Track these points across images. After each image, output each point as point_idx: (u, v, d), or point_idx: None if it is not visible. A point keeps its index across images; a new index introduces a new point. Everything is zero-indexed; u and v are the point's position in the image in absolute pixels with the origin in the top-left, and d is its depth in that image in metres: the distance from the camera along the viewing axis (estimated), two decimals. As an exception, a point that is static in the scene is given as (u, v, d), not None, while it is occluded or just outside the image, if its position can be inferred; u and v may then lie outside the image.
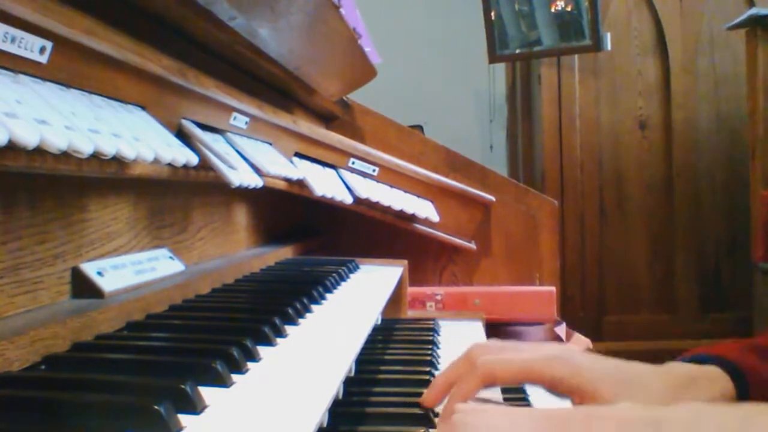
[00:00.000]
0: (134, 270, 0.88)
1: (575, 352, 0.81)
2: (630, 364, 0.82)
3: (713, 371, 0.83)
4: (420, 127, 3.99)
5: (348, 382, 0.74)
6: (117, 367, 0.62)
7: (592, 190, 3.75)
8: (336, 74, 1.81)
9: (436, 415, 0.84)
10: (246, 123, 1.14)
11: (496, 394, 0.94)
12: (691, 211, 3.71)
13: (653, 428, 0.50)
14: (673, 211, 3.72)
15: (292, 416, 0.53)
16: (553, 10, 3.58)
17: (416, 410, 0.84)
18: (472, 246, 1.93)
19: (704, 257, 3.72)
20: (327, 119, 2.06)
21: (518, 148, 4.32)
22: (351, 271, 1.35)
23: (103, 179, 0.85)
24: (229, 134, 1.10)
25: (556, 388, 0.78)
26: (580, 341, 1.81)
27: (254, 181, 1.04)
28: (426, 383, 0.94)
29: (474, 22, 3.86)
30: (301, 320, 0.87)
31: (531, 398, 0.99)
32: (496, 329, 1.66)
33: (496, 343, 0.86)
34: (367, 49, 1.90)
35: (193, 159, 0.85)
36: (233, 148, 1.10)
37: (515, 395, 0.99)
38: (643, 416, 0.51)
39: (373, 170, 1.70)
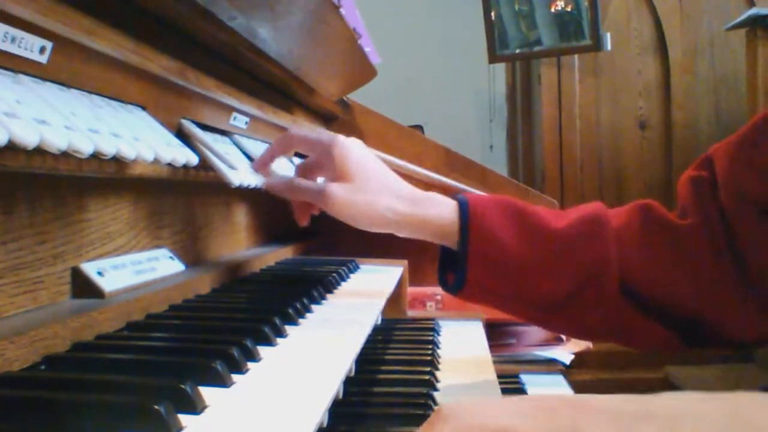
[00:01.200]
0: (134, 270, 0.88)
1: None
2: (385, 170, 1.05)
3: (448, 202, 0.98)
4: (420, 127, 3.99)
5: (348, 382, 0.74)
6: (117, 367, 0.62)
7: (592, 190, 3.75)
8: (336, 74, 1.81)
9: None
10: (246, 123, 1.14)
11: (491, 377, 0.96)
12: (691, 211, 3.70)
13: (644, 422, 0.50)
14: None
15: (292, 416, 0.53)
16: (553, 10, 3.58)
17: (416, 410, 0.84)
18: (472, 246, 1.92)
19: (704, 257, 3.71)
20: (327, 119, 2.06)
21: (518, 148, 4.32)
22: (351, 271, 1.35)
23: (103, 179, 0.85)
24: (235, 135, 1.10)
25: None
26: (580, 341, 1.81)
27: (259, 182, 1.04)
28: (426, 383, 0.95)
29: (474, 22, 3.86)
30: (301, 320, 0.87)
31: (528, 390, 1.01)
32: (496, 329, 1.66)
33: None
34: (367, 49, 1.90)
35: (193, 159, 0.85)
36: (239, 149, 1.10)
37: (510, 380, 1.01)
38: (635, 409, 0.51)
39: (373, 170, 1.70)
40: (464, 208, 0.96)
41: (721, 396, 0.51)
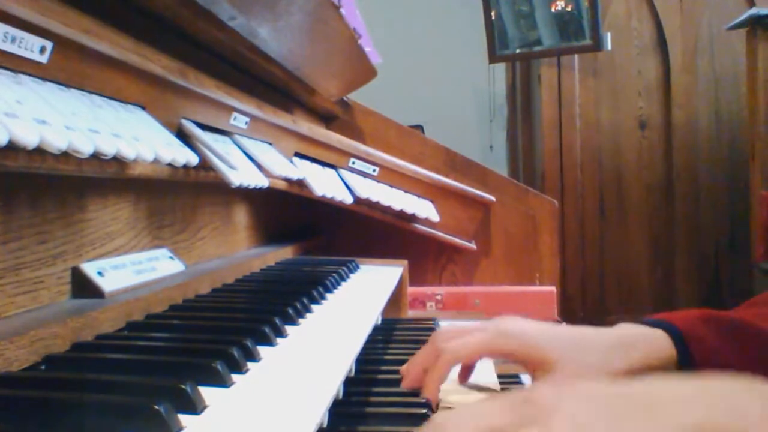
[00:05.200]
0: (134, 270, 0.88)
1: (525, 323, 0.87)
2: (577, 328, 0.89)
3: (657, 335, 0.87)
4: (420, 127, 3.99)
5: (348, 382, 0.74)
6: (117, 367, 0.62)
7: (592, 190, 3.75)
8: (336, 74, 1.81)
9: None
10: (246, 123, 1.14)
11: (492, 378, 0.97)
12: (691, 211, 3.71)
13: (624, 400, 0.52)
14: (673, 211, 3.72)
15: (292, 416, 0.53)
16: (553, 10, 3.58)
17: (416, 410, 0.84)
18: (472, 246, 1.93)
19: (704, 257, 3.72)
20: (327, 119, 2.06)
21: (518, 148, 4.32)
22: (351, 271, 1.35)
23: (103, 179, 0.85)
24: (236, 136, 1.10)
25: (510, 359, 0.87)
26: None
27: (259, 182, 1.04)
28: (426, 383, 0.95)
29: (474, 22, 3.86)
30: (301, 320, 0.87)
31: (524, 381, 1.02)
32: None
33: (456, 327, 0.92)
34: (367, 49, 1.90)
35: (193, 159, 0.85)
36: (240, 149, 1.10)
37: (510, 380, 1.02)
38: (618, 391, 0.53)
39: (374, 170, 1.70)
40: (678, 337, 0.87)
41: (701, 379, 0.52)
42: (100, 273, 0.80)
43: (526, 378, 1.02)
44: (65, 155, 0.63)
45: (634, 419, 0.49)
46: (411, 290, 1.64)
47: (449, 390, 0.90)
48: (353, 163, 1.65)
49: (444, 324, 1.47)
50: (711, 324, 0.89)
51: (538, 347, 0.83)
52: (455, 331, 0.90)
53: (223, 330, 0.77)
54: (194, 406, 0.51)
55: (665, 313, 0.92)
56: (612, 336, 0.87)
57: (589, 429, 0.48)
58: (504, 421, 0.50)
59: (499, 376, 0.99)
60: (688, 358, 0.86)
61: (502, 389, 0.95)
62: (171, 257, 1.00)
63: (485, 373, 0.99)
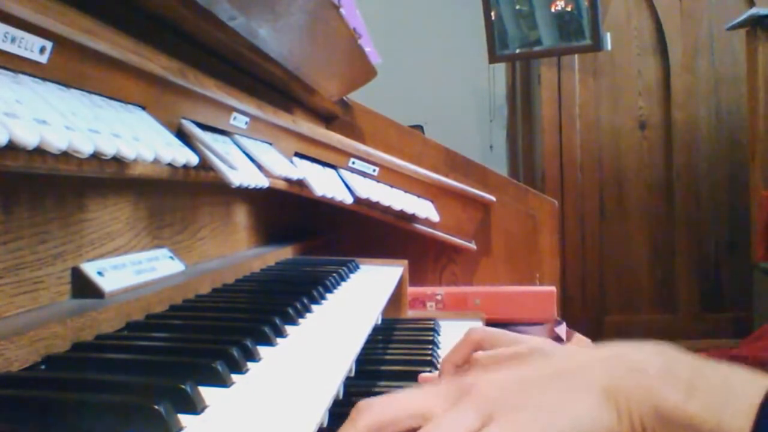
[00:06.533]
0: (134, 270, 0.88)
1: (558, 349, 0.83)
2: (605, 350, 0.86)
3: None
4: (420, 127, 4.00)
5: (348, 382, 0.74)
6: (117, 367, 0.62)
7: (592, 190, 3.75)
8: (336, 74, 1.81)
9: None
10: (246, 123, 1.14)
11: None
12: (691, 211, 3.71)
13: (525, 360, 0.57)
14: (673, 211, 3.72)
15: (292, 416, 0.53)
16: (553, 10, 3.58)
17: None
18: (472, 246, 1.93)
19: (704, 257, 3.72)
20: (327, 119, 2.06)
21: (518, 148, 4.32)
22: (351, 271, 1.35)
23: (103, 179, 0.85)
24: (236, 136, 1.10)
25: None
26: (581, 341, 1.82)
27: (259, 182, 1.04)
28: (426, 383, 0.94)
29: (474, 22, 3.86)
30: (301, 320, 0.87)
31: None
32: (496, 329, 1.66)
33: (488, 329, 0.90)
34: (367, 49, 1.90)
35: (193, 159, 0.85)
36: (240, 149, 1.10)
37: None
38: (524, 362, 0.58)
39: (374, 170, 1.70)
40: None
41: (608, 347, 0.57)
42: (100, 273, 0.80)
43: None
44: (65, 155, 0.63)
45: (543, 388, 0.53)
46: (411, 290, 1.64)
47: None
48: (353, 163, 1.65)
49: (444, 324, 1.47)
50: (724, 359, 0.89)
51: None
52: (486, 335, 0.84)
53: (223, 330, 0.77)
54: (194, 406, 0.51)
55: None
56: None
57: (500, 401, 0.52)
58: (427, 404, 0.54)
59: None
60: None
61: None
62: (171, 257, 1.00)
63: None
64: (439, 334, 1.36)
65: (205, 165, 0.93)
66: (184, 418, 0.49)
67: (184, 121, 0.94)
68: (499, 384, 0.54)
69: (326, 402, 0.57)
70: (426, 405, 0.54)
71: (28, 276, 0.71)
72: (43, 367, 0.61)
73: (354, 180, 1.63)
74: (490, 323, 1.61)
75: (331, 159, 1.58)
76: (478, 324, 1.54)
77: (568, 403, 0.52)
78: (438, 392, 0.55)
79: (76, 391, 0.53)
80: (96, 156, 0.65)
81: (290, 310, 0.85)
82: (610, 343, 0.58)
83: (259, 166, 1.12)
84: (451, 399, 0.54)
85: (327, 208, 1.67)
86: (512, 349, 0.82)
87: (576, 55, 3.70)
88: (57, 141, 0.59)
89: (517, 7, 3.64)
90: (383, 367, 1.06)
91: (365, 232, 1.88)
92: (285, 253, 1.51)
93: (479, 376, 0.56)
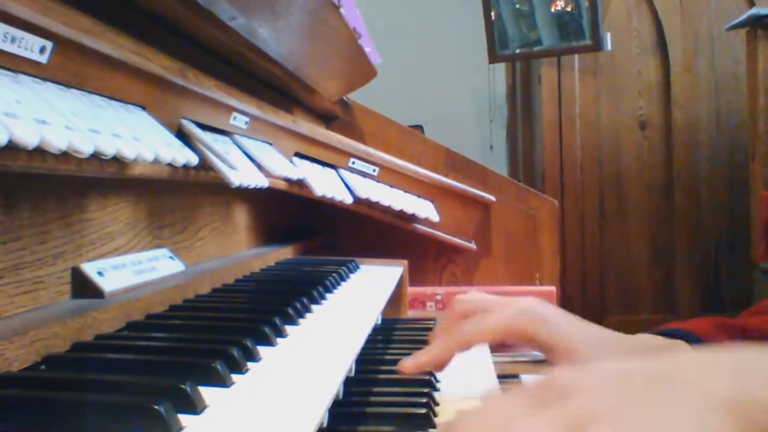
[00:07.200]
0: (134, 270, 0.88)
1: (550, 308, 0.85)
2: (600, 328, 0.85)
3: (679, 345, 0.83)
4: (420, 127, 4.00)
5: (348, 382, 0.74)
6: (117, 367, 0.62)
7: (592, 190, 3.75)
8: (336, 74, 1.81)
9: (437, 415, 0.84)
10: (246, 123, 1.14)
11: (492, 380, 0.96)
12: (691, 211, 3.71)
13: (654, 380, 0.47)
14: (673, 211, 3.72)
15: (292, 416, 0.53)
16: (553, 10, 3.58)
17: (416, 410, 0.84)
18: (472, 246, 1.93)
19: (704, 257, 3.72)
20: (327, 119, 2.06)
21: (518, 148, 4.32)
22: (351, 271, 1.35)
23: (103, 179, 0.85)
24: (236, 136, 1.10)
25: (529, 344, 0.82)
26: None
27: (259, 182, 1.04)
28: (426, 383, 0.95)
29: (474, 22, 3.86)
30: (301, 320, 0.87)
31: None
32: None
33: (474, 298, 0.88)
34: (367, 49, 1.90)
35: (193, 159, 0.85)
36: (240, 149, 1.10)
37: (511, 380, 1.01)
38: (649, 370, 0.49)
39: (373, 170, 1.70)
40: (698, 345, 0.81)
41: (726, 350, 0.48)
42: (100, 273, 0.80)
43: (526, 378, 1.01)
44: (65, 155, 0.63)
45: (658, 395, 0.43)
46: (411, 290, 1.64)
47: (447, 399, 0.89)
48: (353, 163, 1.65)
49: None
50: (731, 332, 0.85)
51: (564, 335, 0.79)
52: (474, 304, 0.86)
53: (223, 330, 0.77)
54: (194, 406, 0.51)
55: (676, 322, 0.90)
56: (637, 345, 0.83)
57: (611, 408, 0.43)
58: (522, 408, 0.45)
59: (499, 377, 0.99)
60: None
61: (502, 389, 0.94)
62: (171, 257, 1.00)
63: (485, 374, 0.98)
64: (439, 334, 1.36)
65: (205, 165, 0.93)
66: (184, 418, 0.49)
67: (184, 121, 0.94)
68: (604, 387, 0.45)
69: (326, 402, 0.57)
70: (511, 413, 0.46)
71: (28, 276, 0.71)
72: (43, 367, 0.61)
73: (354, 180, 1.63)
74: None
75: (331, 159, 1.58)
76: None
77: (675, 418, 0.42)
78: (532, 394, 0.47)
79: (76, 391, 0.53)
80: (96, 156, 0.65)
81: (290, 310, 0.85)
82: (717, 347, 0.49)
83: (259, 166, 1.12)
84: (547, 402, 0.45)
85: (327, 208, 1.67)
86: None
87: (576, 55, 3.70)
88: (57, 141, 0.59)
89: (517, 6, 3.64)
90: (383, 367, 1.05)
91: (365, 232, 1.88)
92: (285, 253, 1.51)
93: (579, 374, 0.47)
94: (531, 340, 0.82)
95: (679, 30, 3.71)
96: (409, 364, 0.84)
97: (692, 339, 0.83)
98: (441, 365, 0.85)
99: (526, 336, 0.82)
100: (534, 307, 0.83)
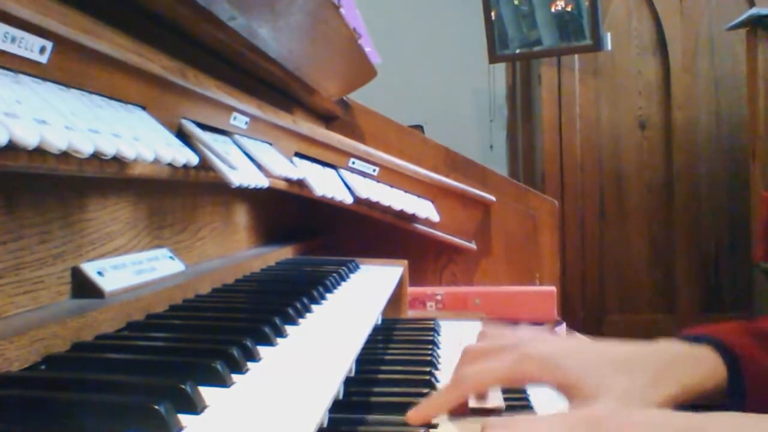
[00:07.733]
0: (134, 270, 0.88)
1: (555, 344, 0.81)
2: (615, 345, 0.81)
3: (704, 352, 0.81)
4: (420, 127, 4.00)
5: (348, 382, 0.74)
6: (117, 367, 0.62)
7: (592, 190, 3.75)
8: (336, 74, 1.81)
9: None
10: (246, 123, 1.14)
11: (496, 393, 0.94)
12: (691, 212, 3.71)
13: None
14: (673, 211, 3.72)
15: (292, 416, 0.53)
16: (553, 10, 3.58)
17: (416, 410, 0.84)
18: (472, 246, 1.93)
19: (704, 257, 3.72)
20: (327, 119, 2.06)
21: (518, 148, 4.32)
22: (351, 271, 1.35)
23: (103, 179, 0.85)
24: (236, 136, 1.10)
25: (542, 384, 0.78)
26: (581, 342, 1.81)
27: (259, 182, 1.04)
28: (426, 383, 0.94)
29: (474, 22, 3.86)
30: (301, 320, 0.87)
31: (531, 399, 0.99)
32: (496, 329, 1.66)
33: (480, 348, 0.85)
34: (367, 49, 1.90)
35: (193, 159, 0.85)
36: (240, 149, 1.10)
37: (515, 394, 0.98)
38: (684, 425, 0.49)
39: (373, 170, 1.70)
40: (725, 352, 0.80)
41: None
42: (100, 273, 0.80)
43: (534, 392, 0.98)
44: (65, 155, 0.63)
45: None
46: (411, 290, 1.64)
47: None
48: (353, 163, 1.65)
49: (444, 324, 1.47)
50: (757, 337, 0.83)
51: (573, 373, 0.75)
52: (480, 352, 0.83)
53: (223, 330, 0.77)
54: (194, 406, 0.51)
55: (702, 327, 0.88)
56: (657, 356, 0.80)
57: None
58: None
59: (504, 391, 0.96)
60: (737, 374, 0.79)
61: (507, 407, 0.92)
62: (171, 257, 1.00)
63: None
64: (439, 334, 1.36)
65: (205, 165, 0.93)
66: (184, 418, 0.49)
67: (184, 121, 0.94)
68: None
69: (326, 402, 0.57)
70: None
71: (28, 276, 0.71)
72: (43, 367, 0.61)
73: (354, 180, 1.63)
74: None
75: (331, 159, 1.59)
76: (478, 324, 1.53)
77: None
78: (574, 425, 0.49)
79: (76, 391, 0.53)
80: (96, 156, 0.65)
81: (290, 310, 0.85)
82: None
83: (259, 166, 1.12)
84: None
85: (327, 208, 1.67)
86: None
87: (576, 55, 3.70)
88: (57, 141, 0.59)
89: (517, 6, 3.64)
90: (383, 367, 1.05)
91: (365, 232, 1.88)
92: (285, 253, 1.51)
93: (626, 420, 0.49)
94: (539, 383, 0.80)
95: (679, 30, 3.71)
96: (415, 416, 0.83)
97: (718, 345, 0.81)
98: (445, 412, 0.84)
99: (532, 381, 0.80)
100: (537, 348, 0.79)
